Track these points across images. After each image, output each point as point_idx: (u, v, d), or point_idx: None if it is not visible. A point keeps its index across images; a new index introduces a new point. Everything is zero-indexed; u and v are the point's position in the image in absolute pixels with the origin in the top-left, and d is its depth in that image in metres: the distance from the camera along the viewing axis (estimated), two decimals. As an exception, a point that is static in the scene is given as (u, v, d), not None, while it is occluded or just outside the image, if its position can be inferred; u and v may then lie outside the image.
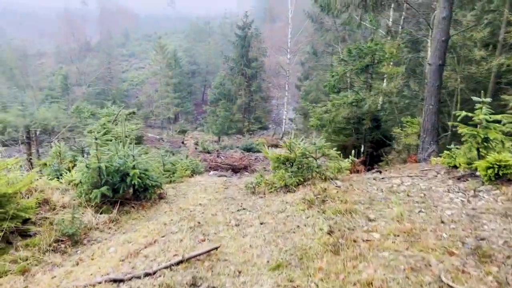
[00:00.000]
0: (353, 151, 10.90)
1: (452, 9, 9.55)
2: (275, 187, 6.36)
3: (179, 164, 8.65)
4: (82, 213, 4.97)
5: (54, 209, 5.20)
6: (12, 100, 41.54)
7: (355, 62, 10.12)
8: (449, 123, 9.96)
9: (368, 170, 10.45)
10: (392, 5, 11.36)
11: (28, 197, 5.06)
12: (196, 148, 24.24)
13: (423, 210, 4.76)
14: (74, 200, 5.28)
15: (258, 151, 22.87)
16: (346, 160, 7.09)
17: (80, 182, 5.09)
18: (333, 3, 10.66)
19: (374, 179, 6.32)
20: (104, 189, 5.01)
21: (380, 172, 7.28)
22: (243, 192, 6.72)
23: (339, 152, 12.98)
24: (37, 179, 5.62)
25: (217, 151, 21.41)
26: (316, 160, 6.49)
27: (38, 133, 25.48)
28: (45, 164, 7.18)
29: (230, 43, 36.55)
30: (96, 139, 5.16)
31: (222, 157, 19.11)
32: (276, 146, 29.33)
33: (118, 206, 5.48)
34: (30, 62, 68.64)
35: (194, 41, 71.40)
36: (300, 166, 6.41)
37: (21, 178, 4.86)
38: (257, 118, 36.03)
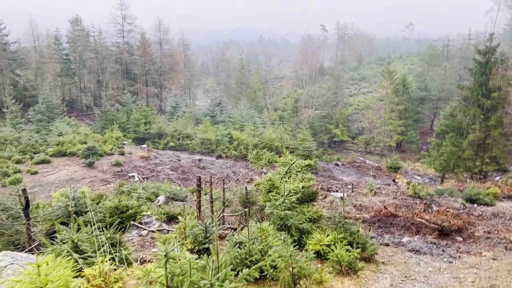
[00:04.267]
0: None
1: None
2: None
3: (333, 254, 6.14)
4: None
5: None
6: (248, 119, 47.07)
7: None
8: None
9: None
10: None
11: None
12: (407, 188, 21.50)
13: None
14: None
15: (486, 204, 18.40)
16: None
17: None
18: None
19: None
20: None
21: None
22: None
23: None
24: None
25: (429, 199, 18.22)
26: None
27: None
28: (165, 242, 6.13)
29: (469, 69, 31.79)
30: (166, 254, 3.59)
31: (433, 208, 16.08)
32: (516, 198, 23.34)
33: None
34: (270, 85, 77.10)
35: (428, 65, 66.20)
36: None
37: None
38: (494, 157, 29.84)
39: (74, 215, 6.52)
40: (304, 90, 69.63)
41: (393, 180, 24.93)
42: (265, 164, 20.32)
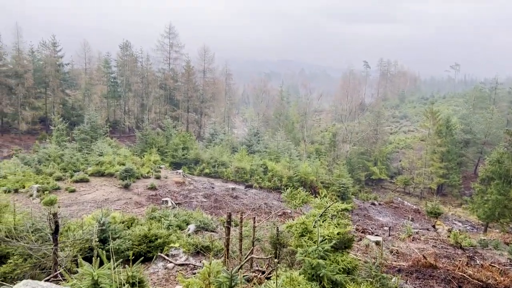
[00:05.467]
0: None
1: None
2: None
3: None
4: None
5: None
6: (284, 151, 46.76)
7: None
8: None
9: None
10: None
11: None
12: (448, 237, 20.30)
13: None
14: None
15: (536, 261, 16.96)
16: None
17: None
18: None
19: None
20: None
21: None
22: None
23: None
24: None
25: (472, 250, 17.02)
26: None
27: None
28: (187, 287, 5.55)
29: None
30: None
31: (477, 261, 14.97)
32: None
33: None
34: (308, 117, 76.88)
35: (473, 107, 64.04)
36: None
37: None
38: (545, 210, 27.95)
39: (99, 244, 6.44)
40: (343, 125, 68.85)
41: (433, 226, 23.66)
42: (299, 204, 19.72)
